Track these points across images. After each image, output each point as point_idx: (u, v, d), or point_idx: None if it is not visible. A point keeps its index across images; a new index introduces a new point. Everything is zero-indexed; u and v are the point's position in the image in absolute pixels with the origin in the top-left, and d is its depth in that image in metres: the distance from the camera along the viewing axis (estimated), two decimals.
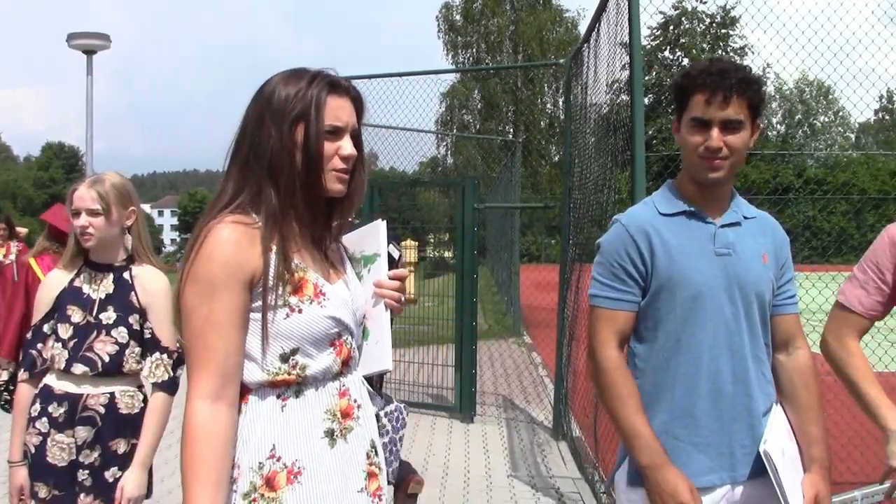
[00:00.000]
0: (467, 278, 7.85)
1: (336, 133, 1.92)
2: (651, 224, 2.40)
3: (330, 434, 1.91)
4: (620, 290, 2.39)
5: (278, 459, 1.85)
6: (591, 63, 6.55)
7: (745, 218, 2.45)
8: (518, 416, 8.04)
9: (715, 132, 2.30)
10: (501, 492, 5.66)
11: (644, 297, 2.39)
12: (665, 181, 2.53)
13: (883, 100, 51.52)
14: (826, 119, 52.56)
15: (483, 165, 21.17)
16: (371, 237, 2.23)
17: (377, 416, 2.14)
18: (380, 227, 2.23)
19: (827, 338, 2.72)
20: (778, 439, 2.34)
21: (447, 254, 14.36)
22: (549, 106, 43.85)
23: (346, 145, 1.94)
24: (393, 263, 2.23)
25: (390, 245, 2.24)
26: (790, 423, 2.44)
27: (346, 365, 1.98)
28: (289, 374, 1.87)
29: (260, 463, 1.84)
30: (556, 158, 40.75)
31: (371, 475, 1.99)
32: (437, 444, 6.92)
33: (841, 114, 51.20)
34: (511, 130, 43.70)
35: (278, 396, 1.88)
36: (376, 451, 2.04)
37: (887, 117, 52.74)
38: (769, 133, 49.12)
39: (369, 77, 9.39)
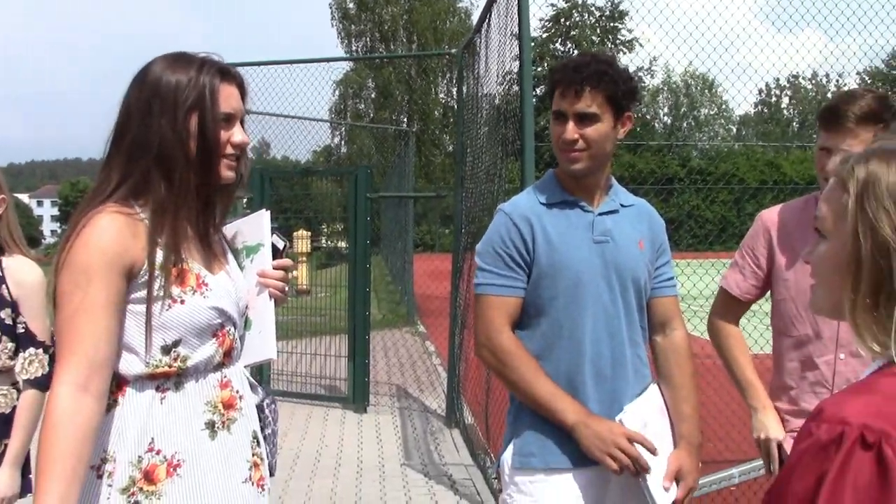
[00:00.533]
0: (360, 268, 7.81)
1: (229, 121, 1.91)
2: (533, 213, 2.44)
3: (211, 426, 1.89)
4: (508, 276, 2.43)
5: (157, 452, 1.82)
6: (483, 53, 6.59)
7: (623, 206, 2.52)
8: (411, 405, 8.06)
9: (570, 125, 2.37)
10: (394, 481, 5.67)
11: (527, 285, 2.43)
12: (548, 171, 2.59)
13: (762, 93, 53.78)
14: (709, 112, 54.53)
15: (377, 155, 21.12)
16: (254, 227, 2.21)
17: (260, 407, 2.11)
18: (263, 216, 2.21)
19: (710, 319, 2.87)
20: (642, 413, 2.41)
21: (341, 244, 14.26)
22: (442, 96, 44.03)
23: (238, 133, 1.93)
24: (277, 253, 2.21)
25: (274, 235, 2.22)
26: (666, 402, 2.52)
27: (229, 356, 1.96)
28: (170, 366, 1.84)
29: (139, 457, 1.81)
30: (451, 148, 40.97)
31: (255, 465, 1.99)
32: (329, 436, 6.87)
33: (723, 106, 53.22)
34: (405, 120, 43.68)
35: (157, 389, 1.85)
36: (258, 442, 2.03)
37: (765, 110, 55.06)
38: (656, 125, 50.62)
39: (260, 64, 9.22)
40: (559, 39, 41.21)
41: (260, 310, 2.12)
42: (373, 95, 45.49)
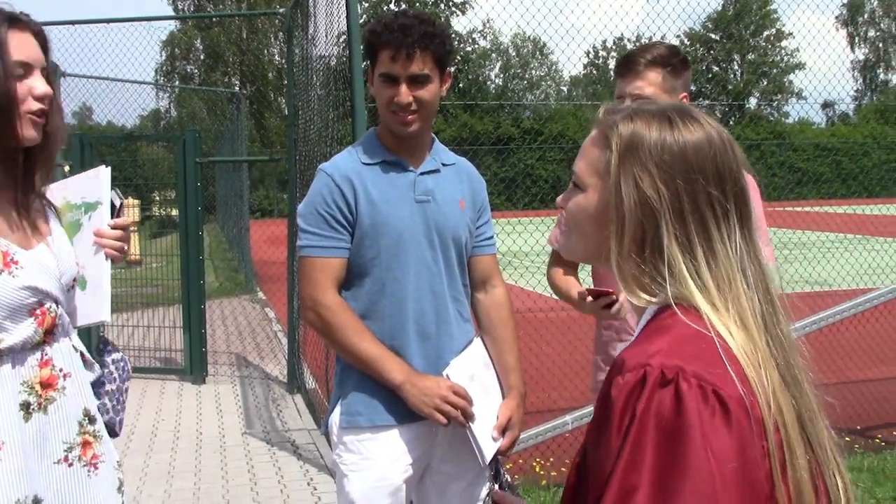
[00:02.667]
0: (192, 236, 7.56)
1: (26, 72, 1.76)
2: (355, 172, 2.43)
3: (25, 407, 1.79)
4: (332, 237, 2.41)
5: None
6: (313, 13, 6.46)
7: (444, 165, 2.54)
8: (252, 373, 7.93)
9: (403, 88, 2.36)
10: (236, 450, 5.58)
11: (350, 245, 2.43)
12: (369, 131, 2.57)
13: (590, 55, 55.55)
14: (541, 73, 55.89)
15: (209, 119, 20.42)
16: (93, 183, 2.12)
17: (104, 361, 2.05)
18: (101, 172, 2.12)
19: (547, 272, 2.93)
20: (467, 366, 2.47)
21: (174, 212, 13.76)
22: (276, 57, 42.99)
23: (39, 84, 1.78)
24: (114, 211, 2.13)
25: (113, 191, 2.12)
26: (491, 357, 2.58)
27: (51, 333, 1.85)
28: None
29: None
30: (286, 111, 40.11)
31: (85, 444, 1.90)
32: (166, 409, 6.67)
33: (553, 68, 54.67)
34: (238, 82, 42.41)
35: None
36: (91, 420, 1.93)
37: (594, 71, 56.94)
38: (489, 85, 51.43)
39: (75, 23, 8.68)
40: (392, 1, 41.01)
41: (95, 270, 2.05)
42: (202, 57, 43.85)
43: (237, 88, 36.53)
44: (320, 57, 6.49)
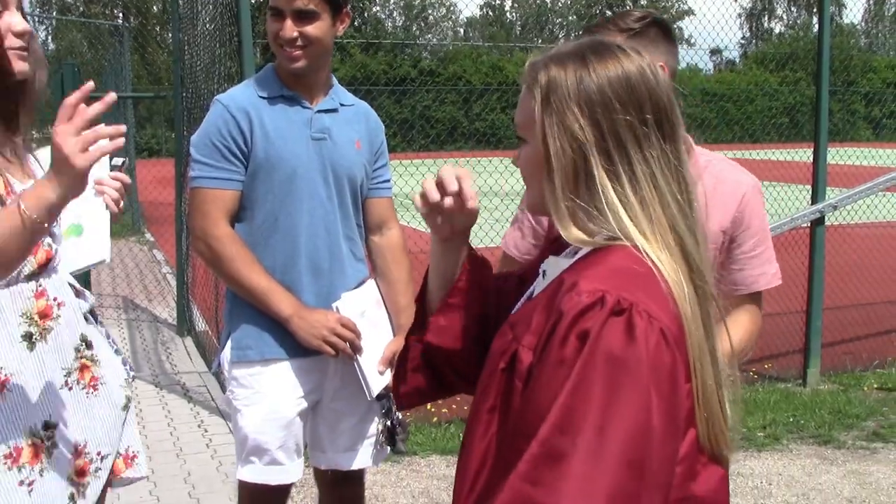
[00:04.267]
0: None
1: (2, 7, 1.73)
2: (252, 105, 2.40)
3: (28, 338, 1.82)
4: (226, 169, 2.38)
5: None
6: None
7: (342, 105, 2.53)
8: (140, 315, 7.75)
9: (288, 23, 2.34)
10: None
11: (244, 178, 2.39)
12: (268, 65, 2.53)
13: None
14: (437, 13, 55.43)
15: (90, 52, 19.49)
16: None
17: (91, 312, 2.04)
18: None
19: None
20: (359, 303, 2.49)
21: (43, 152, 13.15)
22: None
23: (17, 20, 1.75)
24: (114, 169, 2.14)
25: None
26: (383, 297, 2.60)
27: (44, 267, 1.86)
28: None
29: None
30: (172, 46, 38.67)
31: (83, 368, 1.95)
32: None
33: (451, 8, 54.29)
34: (121, 14, 40.55)
35: None
36: (88, 345, 1.95)
37: (490, 13, 56.83)
38: (388, 24, 50.74)
39: None
40: None
41: (92, 215, 2.09)
42: None
43: (120, 21, 34.89)
44: None
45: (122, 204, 2.13)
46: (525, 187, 1.33)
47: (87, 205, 2.06)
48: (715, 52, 46.07)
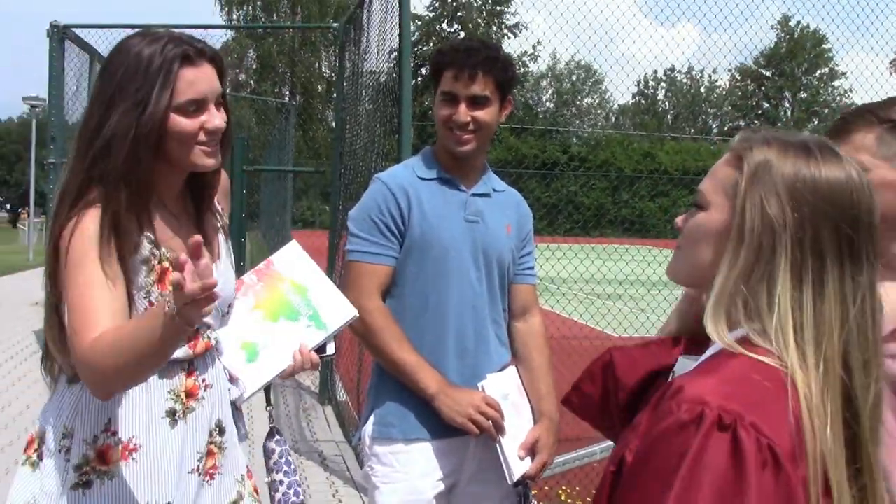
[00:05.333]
0: (234, 242, 7.62)
1: (199, 107, 1.81)
2: (410, 184, 2.47)
3: (171, 414, 1.85)
4: (382, 244, 2.44)
5: (113, 433, 1.78)
6: (366, 28, 6.52)
7: (495, 190, 2.59)
8: (284, 382, 7.96)
9: (462, 107, 2.41)
10: (262, 458, 5.58)
11: (399, 255, 2.45)
12: (424, 148, 2.61)
13: (640, 85, 55.41)
14: (592, 101, 55.85)
15: (257, 127, 20.67)
16: (335, 309, 2.16)
17: (235, 404, 2.06)
18: (350, 313, 2.17)
19: None
20: (502, 385, 2.46)
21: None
22: (327, 71, 43.45)
23: (210, 118, 1.82)
24: (321, 349, 2.16)
25: (335, 339, 2.20)
26: (524, 384, 2.57)
27: (200, 355, 1.90)
28: None
29: (94, 436, 1.78)
30: (334, 124, 40.52)
31: (210, 454, 1.94)
32: None
33: (604, 95, 54.59)
34: (287, 93, 42.95)
35: None
36: (221, 431, 1.97)
37: (643, 101, 56.79)
38: (539, 110, 51.50)
39: (131, 27, 8.85)
40: (445, 20, 41.30)
41: (272, 362, 2.08)
42: (254, 66, 44.49)
43: (287, 99, 36.99)
44: (370, 72, 6.54)
45: (293, 375, 2.14)
46: (675, 256, 1.26)
47: (280, 352, 2.08)
48: None
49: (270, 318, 2.12)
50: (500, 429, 2.37)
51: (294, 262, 2.21)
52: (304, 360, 2.10)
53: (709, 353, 1.19)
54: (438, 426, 2.39)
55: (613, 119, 56.40)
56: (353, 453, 5.61)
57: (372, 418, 2.49)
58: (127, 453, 1.79)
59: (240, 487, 2.05)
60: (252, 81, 43.96)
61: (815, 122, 52.77)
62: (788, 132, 1.22)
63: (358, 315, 2.20)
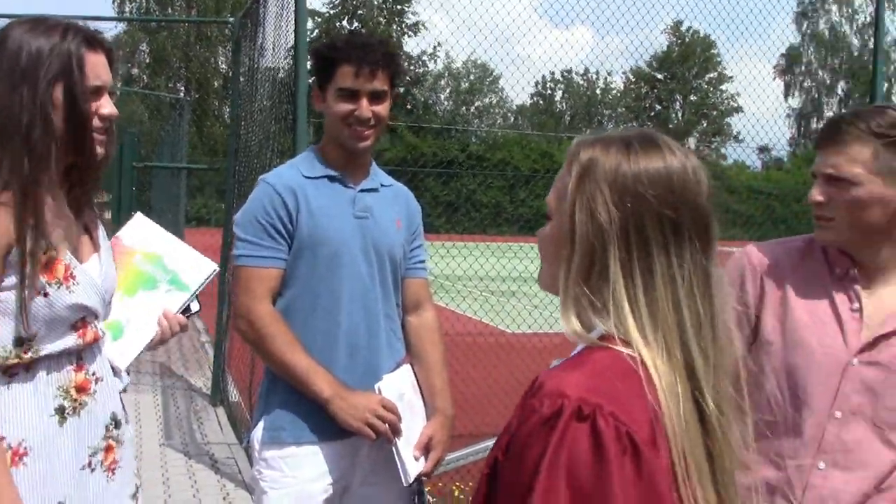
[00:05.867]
0: None
1: (97, 93, 1.80)
2: (297, 184, 2.45)
3: (61, 411, 1.80)
4: (270, 247, 2.41)
5: (2, 439, 1.72)
6: (262, 24, 6.43)
7: (383, 185, 2.58)
8: (175, 383, 7.78)
9: (364, 102, 2.41)
10: (152, 461, 5.45)
11: (288, 256, 2.43)
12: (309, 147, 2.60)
13: (538, 85, 56.24)
14: (489, 100, 56.41)
15: (150, 122, 20.13)
16: (193, 269, 2.15)
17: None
18: (209, 268, 2.17)
19: None
20: (397, 385, 2.47)
21: (107, 215, 13.45)
22: (224, 66, 42.59)
23: (107, 105, 1.82)
24: (186, 310, 2.16)
25: (199, 291, 2.16)
26: (418, 380, 2.59)
27: (90, 345, 1.86)
28: (20, 357, 1.73)
29: None
30: (229, 120, 39.72)
31: (108, 449, 1.90)
32: None
33: (502, 95, 55.22)
34: (182, 88, 41.90)
35: (4, 373, 1.73)
36: (116, 424, 1.93)
37: (541, 102, 57.66)
38: (438, 109, 51.71)
39: (14, 16, 8.48)
40: (346, 17, 41.03)
41: (136, 332, 2.06)
42: (147, 60, 43.25)
43: (181, 94, 36.10)
44: (267, 69, 6.45)
45: (165, 342, 2.13)
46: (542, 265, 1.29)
47: (143, 322, 2.07)
48: (763, 149, 46.14)
49: (128, 294, 2.10)
50: (396, 431, 2.37)
51: (142, 233, 2.19)
52: (171, 324, 2.10)
53: (574, 351, 1.23)
54: (329, 429, 2.38)
55: (512, 119, 57.10)
56: (245, 455, 5.53)
57: (262, 422, 2.46)
58: (17, 458, 1.74)
59: (136, 480, 2.04)
60: (145, 76, 42.72)
61: (705, 124, 54.66)
62: (618, 129, 1.27)
63: (218, 269, 2.21)
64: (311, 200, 2.43)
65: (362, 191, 2.50)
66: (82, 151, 1.81)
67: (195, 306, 2.17)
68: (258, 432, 2.46)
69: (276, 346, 2.37)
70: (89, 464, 1.87)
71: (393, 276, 2.53)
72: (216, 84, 41.81)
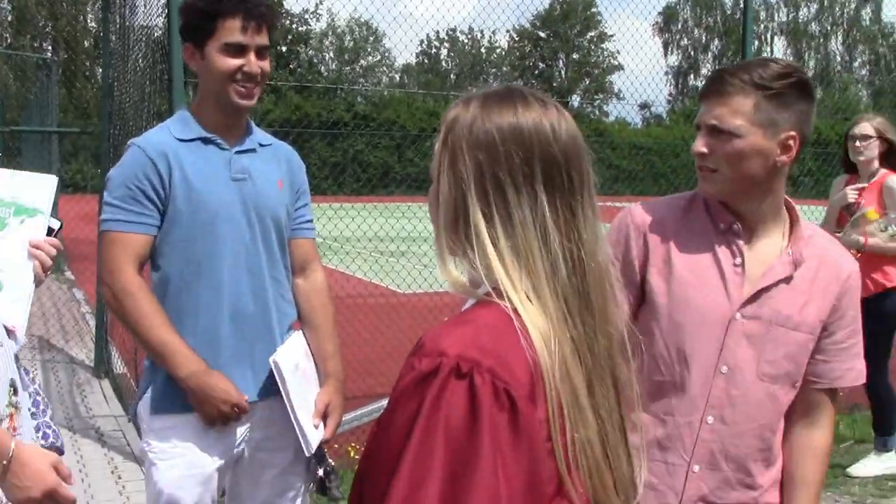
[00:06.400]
0: None
1: None
2: (169, 148, 2.35)
3: None
4: (138, 213, 2.32)
5: None
6: None
7: (261, 145, 2.50)
8: (56, 356, 7.49)
9: (252, 57, 2.33)
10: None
11: (161, 223, 2.33)
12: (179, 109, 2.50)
13: (423, 44, 55.97)
14: (374, 59, 55.86)
15: (15, 85, 19.08)
16: (36, 189, 2.02)
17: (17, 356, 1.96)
18: (50, 182, 2.03)
19: None
20: (292, 356, 2.44)
21: None
22: (93, 24, 40.64)
23: None
24: (50, 232, 2.03)
25: (51, 209, 2.04)
26: (309, 346, 2.56)
27: None
28: None
29: None
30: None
31: (11, 416, 1.83)
32: None
33: (386, 55, 54.76)
34: (50, 48, 39.83)
35: None
36: (14, 391, 1.85)
37: (426, 61, 57.46)
38: (322, 69, 50.88)
39: None
40: None
41: (16, 275, 1.95)
42: (9, 18, 40.89)
43: (49, 54, 34.28)
44: (141, 27, 6.19)
45: (49, 269, 2.03)
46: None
47: (16, 264, 1.96)
48: (643, 106, 47.39)
49: None
50: (242, 410, 2.34)
51: None
52: (46, 250, 2.00)
53: (463, 308, 1.24)
54: None
55: (398, 77, 56.77)
56: (133, 427, 5.38)
57: (149, 392, 2.39)
58: None
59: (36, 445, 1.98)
60: (8, 36, 40.38)
61: (587, 82, 55.66)
62: (489, 86, 1.29)
63: (57, 179, 2.11)
64: (185, 165, 2.34)
65: (238, 152, 2.42)
66: None
67: (55, 223, 2.07)
68: (145, 403, 2.39)
69: (137, 318, 2.30)
70: None
71: (278, 238, 2.47)
72: (86, 44, 39.91)
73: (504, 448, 1.05)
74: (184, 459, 2.35)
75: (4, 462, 1.66)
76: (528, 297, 1.15)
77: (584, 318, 1.18)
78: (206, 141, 2.38)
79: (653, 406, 1.86)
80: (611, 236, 1.89)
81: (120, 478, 4.65)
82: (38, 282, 2.01)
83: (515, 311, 1.14)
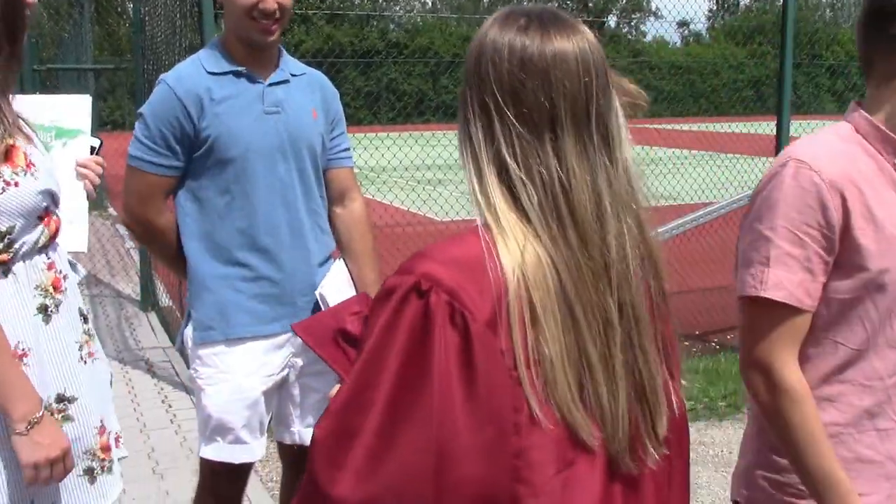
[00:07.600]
0: None
1: None
2: (200, 84, 2.34)
3: (44, 310, 1.82)
4: (164, 154, 2.34)
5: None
6: None
7: (294, 75, 2.48)
8: (103, 291, 7.66)
9: None
10: None
11: (192, 158, 2.35)
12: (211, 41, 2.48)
13: None
14: None
15: (49, 23, 19.10)
16: (74, 110, 2.09)
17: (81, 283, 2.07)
18: (85, 101, 2.10)
19: (766, 364, 1.58)
20: (336, 285, 2.46)
21: None
22: None
23: None
24: (92, 151, 2.11)
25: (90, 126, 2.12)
26: (351, 274, 2.58)
27: (53, 238, 1.87)
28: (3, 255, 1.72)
29: None
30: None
31: (87, 342, 1.95)
32: None
33: None
34: None
35: None
36: (85, 318, 1.97)
37: None
38: None
39: None
40: None
41: (73, 200, 2.03)
42: None
43: None
44: None
45: (97, 185, 2.11)
46: None
47: (67, 185, 2.00)
48: (682, 24, 46.19)
49: None
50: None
51: None
52: (92, 168, 2.10)
53: None
54: (261, 324, 2.38)
55: (430, 3, 55.83)
56: (181, 358, 5.52)
57: (192, 322, 2.45)
58: (17, 360, 1.75)
59: (110, 369, 2.10)
60: None
61: (624, 1, 54.23)
62: (530, 5, 1.24)
63: (91, 97, 2.20)
64: (218, 101, 2.33)
65: (271, 84, 2.40)
66: (15, 40, 1.77)
67: (96, 142, 2.14)
68: (189, 332, 2.45)
69: (161, 253, 2.50)
70: (81, 357, 1.91)
71: (314, 169, 2.47)
72: None
73: (453, 368, 1.05)
74: (228, 385, 2.40)
75: (35, 417, 1.71)
76: (510, 224, 1.13)
77: (568, 241, 1.13)
78: (237, 74, 2.37)
79: (853, 375, 1.63)
80: (797, 201, 1.55)
81: (171, 406, 4.79)
82: (90, 198, 2.10)
83: (494, 240, 1.12)
